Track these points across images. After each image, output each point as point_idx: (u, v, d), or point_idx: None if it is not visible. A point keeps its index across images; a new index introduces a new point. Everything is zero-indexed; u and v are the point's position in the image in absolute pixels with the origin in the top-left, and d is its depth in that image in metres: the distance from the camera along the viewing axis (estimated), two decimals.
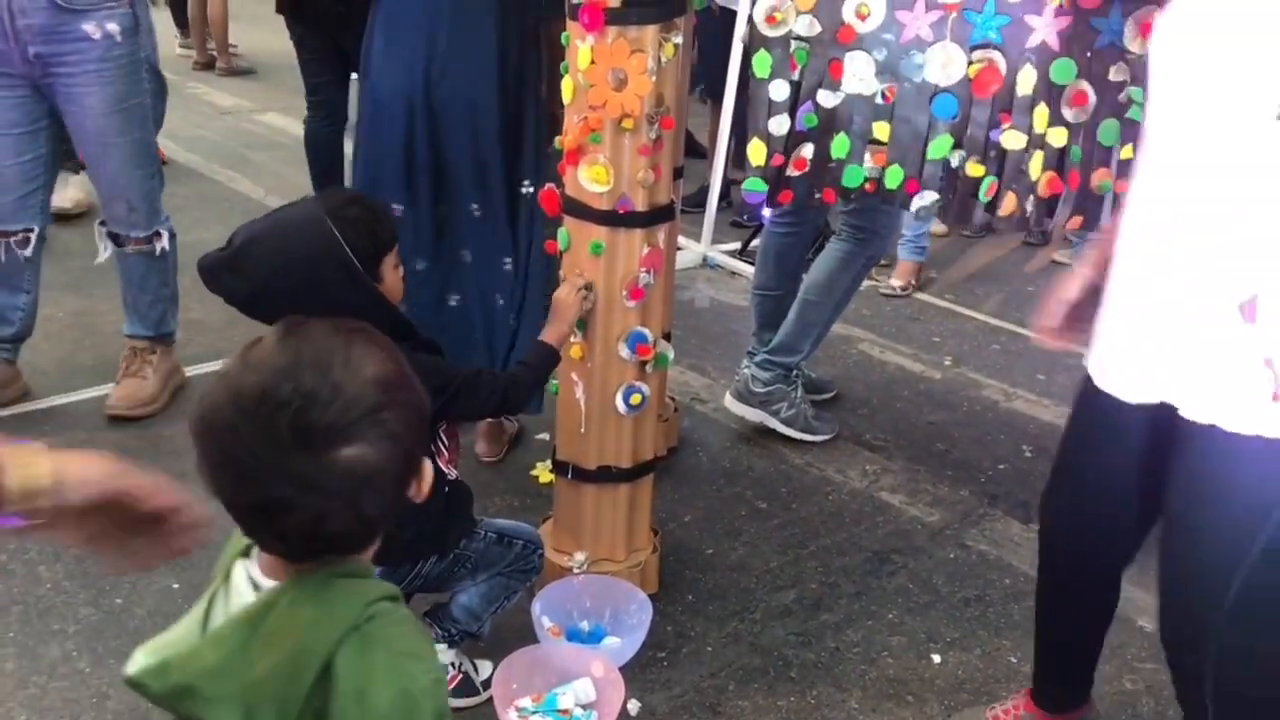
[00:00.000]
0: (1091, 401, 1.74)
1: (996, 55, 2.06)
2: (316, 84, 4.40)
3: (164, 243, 3.13)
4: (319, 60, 4.26)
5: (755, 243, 4.65)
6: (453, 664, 2.15)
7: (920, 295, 4.28)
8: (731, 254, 4.63)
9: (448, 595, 2.14)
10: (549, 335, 2.12)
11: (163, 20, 7.55)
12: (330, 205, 1.77)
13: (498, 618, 2.18)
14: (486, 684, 2.16)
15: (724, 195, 4.81)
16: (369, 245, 1.76)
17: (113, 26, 2.78)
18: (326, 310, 1.22)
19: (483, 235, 2.71)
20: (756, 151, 2.21)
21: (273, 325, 1.09)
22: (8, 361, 3.17)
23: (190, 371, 3.39)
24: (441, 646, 2.11)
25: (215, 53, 7.63)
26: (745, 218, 4.74)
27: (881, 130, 2.17)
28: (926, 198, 2.18)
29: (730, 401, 3.25)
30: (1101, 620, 2.00)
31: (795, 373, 3.20)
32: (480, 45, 2.59)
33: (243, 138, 6.11)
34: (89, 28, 2.74)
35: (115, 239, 3.10)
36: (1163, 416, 1.58)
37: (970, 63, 2.06)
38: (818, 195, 2.24)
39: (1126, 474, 1.74)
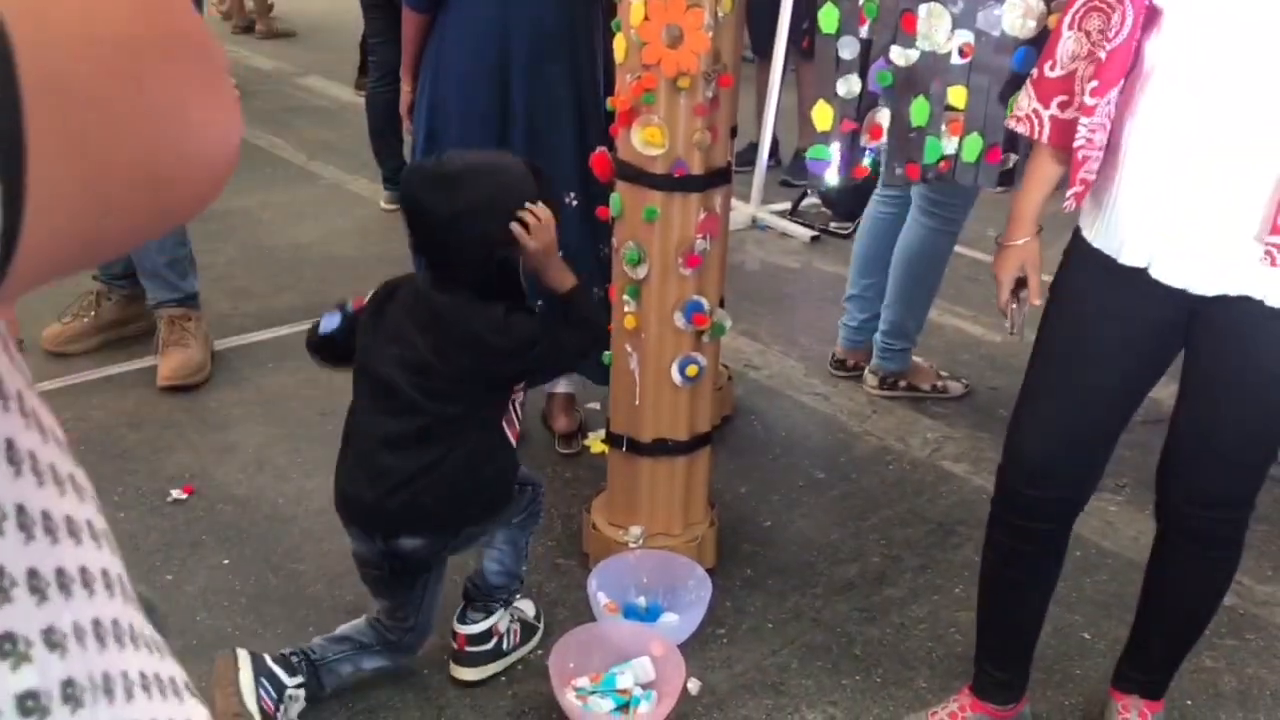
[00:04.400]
0: (1096, 300, 1.66)
1: None
2: (376, 44, 4.33)
3: None
4: (380, 18, 4.17)
5: (805, 202, 4.55)
6: (512, 619, 2.17)
7: (978, 253, 4.15)
8: (781, 214, 4.52)
9: (473, 567, 2.17)
10: (564, 281, 1.94)
11: None
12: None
13: (551, 590, 2.14)
14: (538, 617, 2.26)
15: (773, 154, 4.69)
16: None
17: None
18: (476, 260, 1.78)
19: (578, 225, 2.55)
20: (822, 115, 2.09)
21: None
22: (129, 297, 3.31)
23: (237, 341, 3.36)
24: (498, 613, 2.13)
25: (255, 16, 7.58)
26: (800, 191, 4.60)
27: (958, 96, 2.04)
28: (1010, 161, 2.06)
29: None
30: (1051, 582, 1.92)
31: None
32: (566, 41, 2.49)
33: (284, 101, 6.07)
34: None
35: None
36: (1177, 314, 1.60)
37: (1050, 12, 1.94)
38: (899, 170, 2.11)
39: (1118, 381, 1.70)
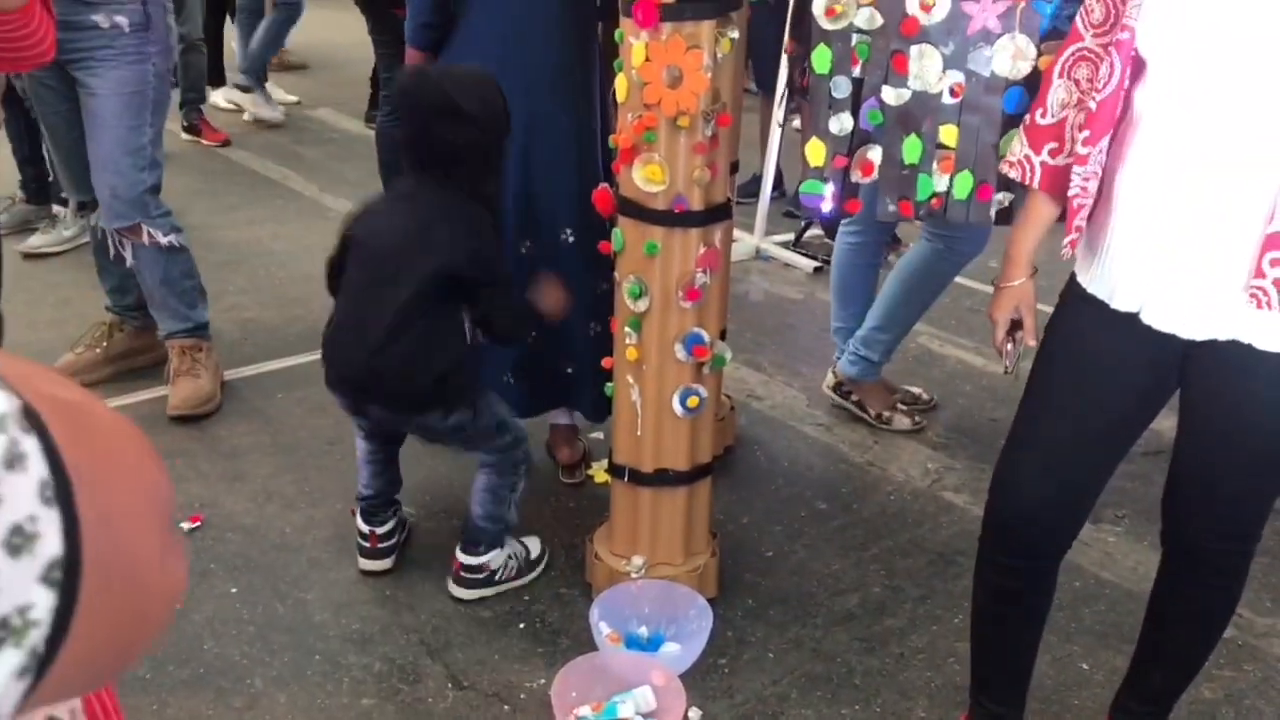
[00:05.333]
0: (1093, 342, 1.67)
1: None
2: (387, 78, 4.40)
3: (164, 239, 3.05)
4: (391, 55, 4.24)
5: (809, 233, 4.59)
6: (510, 557, 2.45)
7: (981, 285, 4.19)
8: (785, 245, 4.56)
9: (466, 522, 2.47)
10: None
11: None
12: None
13: (554, 620, 2.17)
14: (539, 559, 2.53)
15: (777, 185, 4.74)
16: None
17: (121, 19, 2.92)
18: (466, 154, 2.19)
19: (575, 261, 2.59)
20: (815, 151, 2.14)
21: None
22: (140, 328, 3.36)
23: (247, 371, 3.40)
24: (496, 551, 2.42)
25: None
26: (803, 221, 4.65)
27: (949, 134, 2.08)
28: (1003, 200, 2.10)
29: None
30: (1042, 617, 1.92)
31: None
32: (567, 68, 2.54)
33: (295, 133, 6.14)
34: (99, 18, 2.86)
35: (105, 234, 3.10)
36: (1171, 357, 1.61)
37: (1040, 54, 1.98)
38: (893, 207, 2.15)
39: (1117, 419, 1.71)
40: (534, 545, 2.54)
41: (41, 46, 1.65)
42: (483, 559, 2.42)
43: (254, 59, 6.15)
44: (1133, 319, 1.60)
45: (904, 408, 3.25)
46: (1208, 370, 1.61)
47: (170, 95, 3.13)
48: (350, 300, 2.27)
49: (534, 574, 2.51)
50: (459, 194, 2.21)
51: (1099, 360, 1.68)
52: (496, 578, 2.44)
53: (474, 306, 2.26)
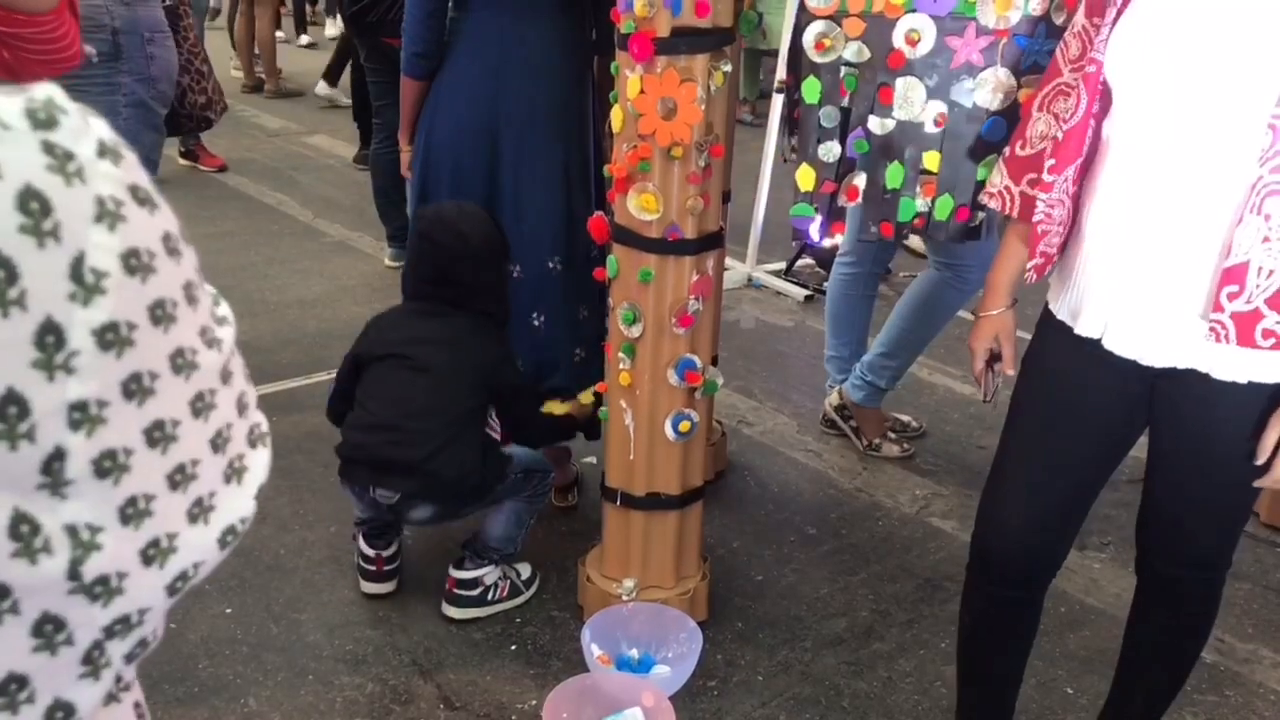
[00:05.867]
0: (1064, 370, 1.70)
1: None
2: (380, 106, 4.44)
3: None
4: (383, 82, 4.28)
5: (800, 262, 4.65)
6: (502, 576, 2.51)
7: (969, 314, 4.24)
8: (776, 274, 4.62)
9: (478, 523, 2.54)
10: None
11: (219, 40, 7.68)
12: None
13: (545, 641, 2.19)
14: (530, 582, 2.58)
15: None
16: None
17: (89, 49, 2.94)
18: (488, 291, 2.45)
19: (560, 288, 2.65)
20: (805, 177, 2.19)
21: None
22: None
23: None
24: (488, 568, 2.48)
25: (264, 75, 7.74)
26: (795, 249, 4.70)
27: (932, 160, 2.14)
28: (976, 219, 2.17)
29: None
30: (1027, 645, 1.95)
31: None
32: (562, 98, 2.59)
33: (291, 160, 6.19)
34: None
35: None
36: (1139, 387, 1.64)
37: (1020, 86, 2.04)
38: (874, 228, 2.22)
39: (1093, 448, 1.73)
40: (524, 569, 2.58)
41: (72, 50, 1.68)
42: (477, 573, 2.46)
43: None
44: (1096, 345, 1.63)
45: (893, 435, 3.29)
46: (1173, 401, 1.63)
47: (159, 123, 3.14)
48: (385, 403, 2.36)
49: (525, 596, 2.55)
50: (474, 312, 2.43)
51: (1070, 389, 1.71)
52: (489, 597, 2.48)
53: (504, 412, 2.51)
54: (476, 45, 2.53)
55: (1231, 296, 1.47)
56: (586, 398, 2.61)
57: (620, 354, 2.26)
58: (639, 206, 2.14)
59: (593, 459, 3.04)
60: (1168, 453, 1.70)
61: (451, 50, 2.56)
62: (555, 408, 2.56)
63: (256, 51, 7.72)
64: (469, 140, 2.57)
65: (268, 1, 7.45)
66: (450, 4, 2.55)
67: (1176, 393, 1.61)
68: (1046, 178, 1.62)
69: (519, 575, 2.56)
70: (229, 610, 2.47)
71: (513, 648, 2.39)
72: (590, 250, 2.59)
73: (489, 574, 2.48)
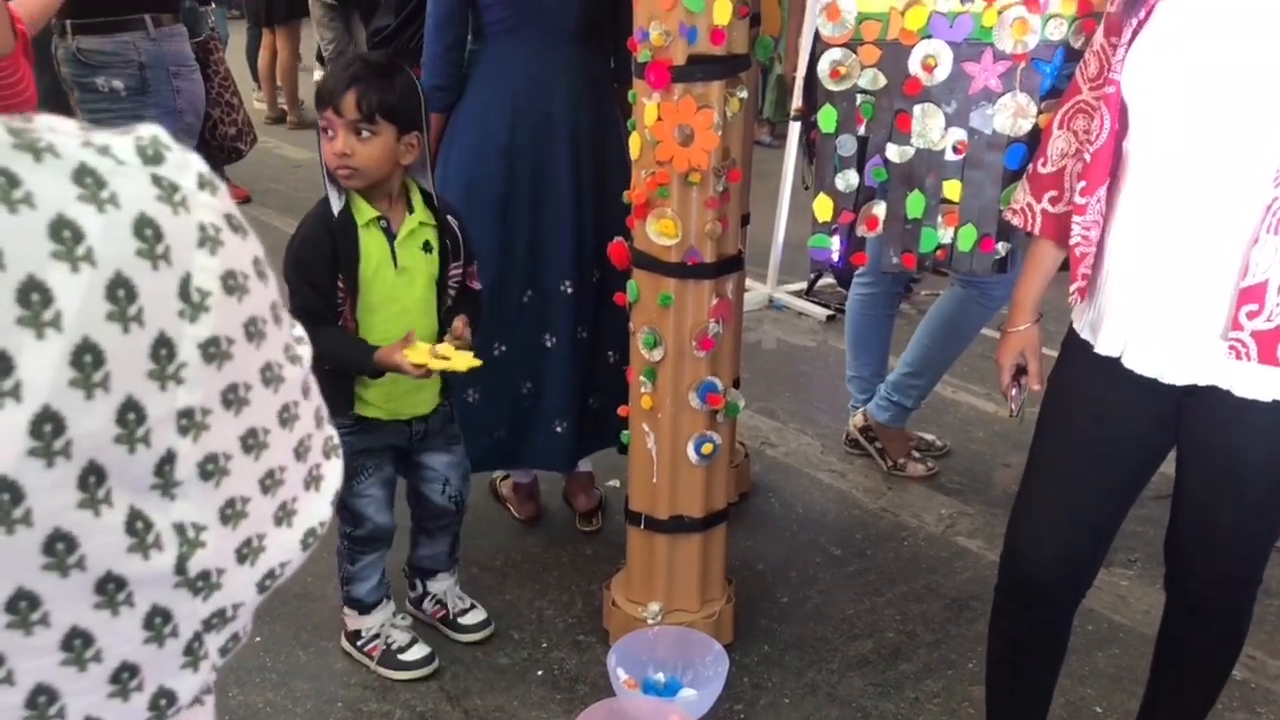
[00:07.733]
0: (1089, 390, 1.71)
1: None
2: None
3: None
4: None
5: (821, 282, 4.65)
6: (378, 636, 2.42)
7: (992, 331, 4.23)
8: (797, 294, 4.62)
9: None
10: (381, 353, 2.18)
11: (241, 69, 7.76)
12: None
13: (571, 666, 2.19)
14: (414, 665, 2.39)
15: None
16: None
17: (118, 83, 3.09)
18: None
19: (571, 309, 2.67)
20: (823, 207, 2.19)
21: None
22: None
23: None
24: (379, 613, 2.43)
25: (285, 106, 7.81)
26: (812, 274, 4.71)
27: (953, 189, 2.14)
28: (1001, 250, 2.16)
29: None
30: (1057, 666, 1.94)
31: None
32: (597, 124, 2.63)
33: (315, 191, 6.22)
34: (99, 81, 3.07)
35: None
36: (1166, 405, 1.63)
37: (1040, 112, 2.04)
38: (896, 260, 2.21)
39: (1119, 467, 1.73)
40: (416, 650, 2.43)
41: (27, 94, 1.73)
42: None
43: None
44: (1116, 364, 1.63)
45: (918, 454, 3.29)
46: (1199, 418, 1.63)
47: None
48: None
49: (400, 674, 2.40)
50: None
51: (1094, 408, 1.71)
52: (359, 644, 2.46)
53: None
54: (495, 74, 2.56)
55: (1251, 315, 1.47)
56: (446, 350, 2.18)
57: (642, 378, 2.28)
58: (658, 231, 2.16)
59: (616, 482, 3.05)
60: (1195, 470, 1.70)
61: (470, 79, 2.59)
62: (416, 354, 2.14)
63: (278, 83, 7.80)
64: (486, 156, 2.60)
65: (288, 32, 7.54)
66: (470, 36, 2.58)
67: (1202, 410, 1.61)
68: (1079, 200, 1.63)
69: (399, 646, 2.41)
70: (258, 639, 2.48)
71: (539, 673, 2.40)
72: (594, 274, 2.63)
73: (374, 624, 2.42)
